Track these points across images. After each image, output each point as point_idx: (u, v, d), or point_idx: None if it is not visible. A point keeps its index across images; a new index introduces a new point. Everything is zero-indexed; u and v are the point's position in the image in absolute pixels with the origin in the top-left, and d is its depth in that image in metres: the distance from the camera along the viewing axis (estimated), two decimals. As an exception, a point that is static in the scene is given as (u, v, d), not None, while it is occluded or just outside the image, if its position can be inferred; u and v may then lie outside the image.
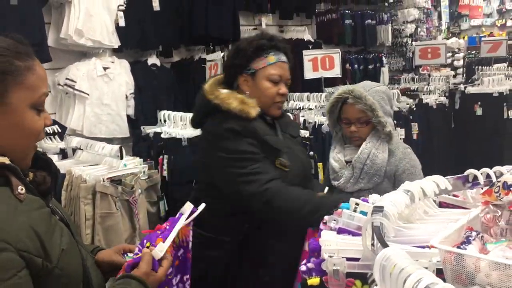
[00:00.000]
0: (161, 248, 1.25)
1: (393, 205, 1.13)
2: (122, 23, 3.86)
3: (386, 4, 6.82)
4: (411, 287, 0.76)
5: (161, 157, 2.79)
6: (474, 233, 0.98)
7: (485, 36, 10.72)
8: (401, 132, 3.83)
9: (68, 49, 3.85)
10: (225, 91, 1.91)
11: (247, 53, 1.92)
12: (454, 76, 7.24)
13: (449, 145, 4.46)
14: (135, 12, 4.02)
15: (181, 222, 1.34)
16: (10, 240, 0.98)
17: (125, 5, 3.91)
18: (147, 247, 1.27)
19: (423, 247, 1.09)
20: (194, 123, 2.07)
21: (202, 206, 1.38)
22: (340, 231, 1.24)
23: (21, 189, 1.04)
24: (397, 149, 2.16)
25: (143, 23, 4.10)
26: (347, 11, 6.21)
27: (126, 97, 3.99)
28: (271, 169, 1.86)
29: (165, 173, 2.74)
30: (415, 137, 4.11)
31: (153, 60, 4.30)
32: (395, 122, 4.05)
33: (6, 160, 1.04)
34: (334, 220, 1.27)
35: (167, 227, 1.35)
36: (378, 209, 1.10)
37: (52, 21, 3.80)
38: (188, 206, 1.37)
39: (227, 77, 1.97)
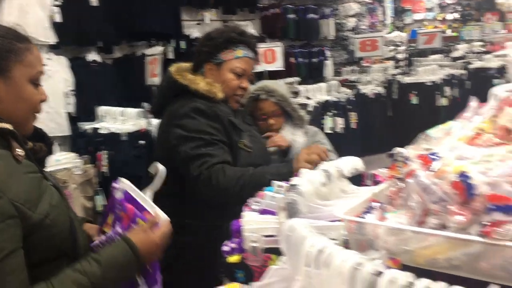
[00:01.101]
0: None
1: (308, 183, 1.20)
2: (58, 18, 3.78)
3: (328, -1, 6.99)
4: (307, 250, 0.82)
5: (99, 153, 2.77)
6: (376, 204, 1.06)
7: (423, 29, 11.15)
8: (340, 121, 3.98)
9: (2, 47, 3.72)
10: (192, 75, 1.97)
11: (217, 42, 1.99)
12: (397, 68, 7.53)
13: (387, 133, 4.66)
14: (71, 7, 3.94)
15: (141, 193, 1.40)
16: (5, 190, 1.11)
17: (61, 1, 3.83)
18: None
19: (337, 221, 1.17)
20: (156, 109, 2.08)
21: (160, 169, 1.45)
22: (263, 212, 1.29)
23: (20, 152, 1.22)
24: (309, 129, 2.36)
25: (81, 18, 4.03)
26: (290, 6, 6.32)
27: (66, 94, 3.91)
28: (224, 154, 1.87)
29: (104, 168, 2.72)
30: (354, 126, 4.27)
31: (93, 56, 4.23)
32: (335, 112, 4.21)
33: (9, 126, 1.21)
34: (257, 203, 1.33)
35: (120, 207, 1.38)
36: (292, 187, 1.17)
37: (-17, 18, 3.66)
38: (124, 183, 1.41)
39: (195, 63, 2.03)
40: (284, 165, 1.89)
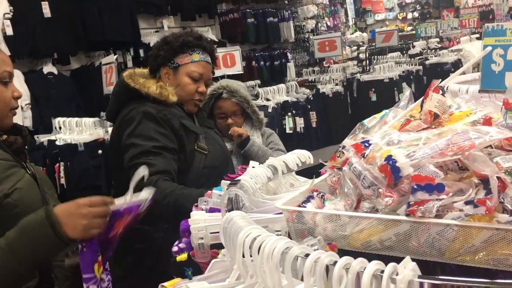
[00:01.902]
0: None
1: (251, 178, 1.23)
2: (9, 31, 3.71)
3: (286, 2, 7.08)
4: (242, 240, 0.84)
5: (57, 164, 2.73)
6: (315, 194, 1.10)
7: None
8: (300, 121, 4.04)
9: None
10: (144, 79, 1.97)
11: (173, 46, 1.98)
12: (358, 67, 7.70)
13: (347, 131, 4.72)
14: (24, 19, 3.88)
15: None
16: None
17: (11, 13, 3.76)
18: None
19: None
20: (111, 115, 2.05)
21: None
22: (211, 210, 1.31)
23: None
24: (265, 131, 2.45)
25: (34, 30, 3.96)
26: (248, 10, 6.38)
27: (22, 108, 3.83)
28: (165, 163, 1.83)
29: (62, 180, 2.68)
30: (314, 125, 4.34)
31: (49, 68, 4.16)
32: (294, 112, 4.26)
33: None
34: (205, 202, 1.35)
35: None
36: (234, 183, 1.19)
37: None
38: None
39: (151, 67, 2.03)
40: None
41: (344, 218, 0.98)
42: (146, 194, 1.38)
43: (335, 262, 0.71)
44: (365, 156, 1.02)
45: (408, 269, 0.65)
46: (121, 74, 2.02)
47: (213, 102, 2.33)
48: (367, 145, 1.04)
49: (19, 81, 3.88)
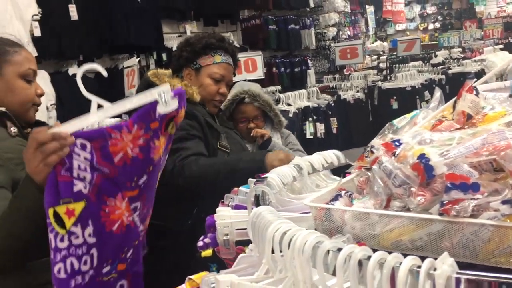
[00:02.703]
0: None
1: (278, 176, 1.22)
2: (37, 33, 3.78)
3: (308, 9, 7.09)
4: (272, 234, 0.83)
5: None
6: (343, 192, 1.08)
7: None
8: (320, 126, 4.02)
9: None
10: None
11: (195, 48, 2.01)
12: (378, 75, 7.65)
13: (368, 137, 4.69)
14: (51, 22, 3.95)
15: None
16: None
17: (40, 15, 3.83)
18: None
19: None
20: None
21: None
22: (237, 207, 1.31)
23: (13, 129, 1.40)
24: (284, 132, 2.49)
25: (61, 33, 4.03)
26: (270, 17, 6.40)
27: (47, 108, 3.89)
28: (199, 147, 1.88)
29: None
30: (334, 131, 4.32)
31: (74, 70, 4.22)
32: (315, 117, 4.25)
33: (2, 109, 1.41)
34: (231, 198, 1.34)
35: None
36: (261, 180, 1.19)
37: (-39, 33, 3.65)
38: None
39: (173, 68, 2.07)
40: (258, 153, 1.92)
41: (373, 217, 0.97)
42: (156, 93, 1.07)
43: (369, 257, 0.70)
44: (395, 155, 1.00)
45: (446, 264, 0.63)
46: (145, 74, 2.07)
47: (234, 107, 2.35)
48: (397, 144, 1.03)
49: (45, 82, 3.95)
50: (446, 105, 1.18)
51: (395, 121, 1.21)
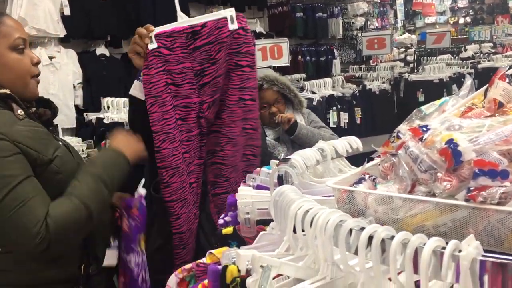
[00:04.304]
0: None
1: (301, 157, 1.22)
2: (67, 11, 3.84)
3: (336, -2, 7.01)
4: (294, 211, 0.83)
5: (103, 142, 2.81)
6: (367, 176, 1.07)
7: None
8: (344, 116, 3.99)
9: (12, 39, 3.78)
10: None
11: None
12: (405, 67, 7.53)
13: (392, 128, 4.62)
14: (81, 1, 4.00)
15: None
16: (7, 134, 1.25)
17: (70, -6, 3.89)
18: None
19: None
20: None
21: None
22: (258, 187, 1.31)
23: (20, 111, 1.34)
24: (304, 112, 2.50)
25: (90, 12, 4.08)
26: (298, 4, 6.34)
27: (74, 87, 3.96)
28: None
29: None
30: (358, 121, 4.28)
31: (101, 50, 4.28)
32: (339, 106, 4.22)
33: (7, 91, 1.34)
34: (253, 178, 1.35)
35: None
36: (284, 161, 1.19)
37: (-6, 10, 3.73)
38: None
39: None
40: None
41: (397, 201, 0.95)
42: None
43: (393, 237, 0.69)
44: (423, 140, 0.99)
45: (472, 246, 0.62)
46: None
47: None
48: (425, 129, 1.01)
49: (73, 61, 4.02)
50: (477, 93, 1.15)
51: (423, 107, 1.19)
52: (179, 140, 1.69)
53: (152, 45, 1.65)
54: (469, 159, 0.88)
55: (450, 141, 0.91)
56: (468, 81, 1.26)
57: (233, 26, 1.68)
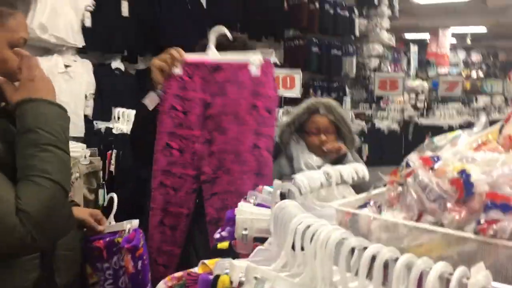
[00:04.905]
0: None
1: (306, 178, 1.19)
2: (88, 23, 3.89)
3: (353, 37, 7.08)
4: (295, 226, 0.80)
5: (109, 151, 2.79)
6: (372, 201, 1.04)
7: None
8: (351, 152, 3.96)
9: (31, 45, 3.83)
10: None
11: None
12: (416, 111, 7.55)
13: (399, 164, 4.58)
14: (102, 14, 4.06)
15: None
16: None
17: (93, 6, 3.95)
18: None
19: (332, 221, 1.14)
20: None
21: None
22: (258, 205, 1.28)
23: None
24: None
25: (110, 26, 4.14)
26: (314, 40, 6.42)
27: (86, 97, 3.98)
28: None
29: (112, 167, 2.73)
30: (365, 158, 4.24)
31: (117, 64, 4.32)
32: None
33: None
34: (254, 196, 1.32)
35: None
36: (288, 179, 1.16)
37: (16, 14, 3.79)
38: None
39: None
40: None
41: (402, 229, 0.92)
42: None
43: (397, 259, 0.66)
44: (433, 169, 0.96)
45: (481, 274, 0.58)
46: None
47: (307, 117, 2.26)
48: (436, 159, 0.99)
49: (87, 71, 4.05)
50: (491, 129, 1.13)
51: (435, 139, 1.16)
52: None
53: (177, 71, 1.71)
54: (481, 191, 0.84)
55: (463, 172, 0.88)
56: (483, 118, 1.24)
57: (255, 71, 1.72)
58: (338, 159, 2.15)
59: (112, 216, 1.53)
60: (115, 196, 1.56)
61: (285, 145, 2.28)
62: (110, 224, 1.51)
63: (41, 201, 1.11)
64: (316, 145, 2.22)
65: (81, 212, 1.50)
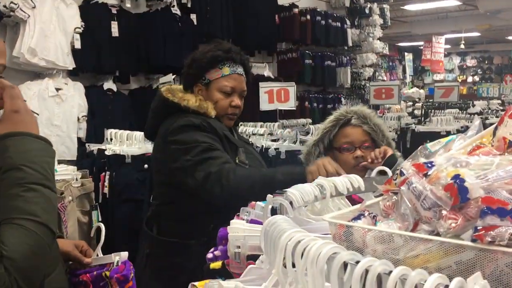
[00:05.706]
0: None
1: (298, 192, 1.16)
2: (78, 45, 3.89)
3: (346, 48, 7.11)
4: (285, 242, 0.77)
5: (103, 173, 2.76)
6: (366, 212, 1.01)
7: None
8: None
9: (21, 69, 3.83)
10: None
11: (202, 63, 1.91)
12: (412, 118, 7.53)
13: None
14: (92, 35, 4.07)
15: None
16: None
17: (82, 28, 3.95)
18: None
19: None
20: (149, 131, 2.02)
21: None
22: (252, 222, 1.24)
23: None
24: None
25: (100, 47, 4.14)
26: (307, 52, 6.43)
27: (78, 119, 3.96)
28: (227, 157, 1.78)
29: (106, 189, 2.70)
30: (363, 168, 4.20)
31: (109, 85, 4.31)
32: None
33: None
34: (247, 212, 1.28)
35: None
36: (280, 193, 1.13)
37: (6, 40, 3.78)
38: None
39: (184, 86, 1.98)
40: (296, 167, 1.79)
41: (398, 240, 0.88)
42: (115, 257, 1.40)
43: (390, 272, 0.62)
44: (427, 175, 0.93)
45: (478, 285, 0.55)
46: (159, 90, 1.99)
47: (337, 130, 1.90)
48: (430, 165, 0.95)
49: (79, 94, 4.04)
50: (485, 132, 1.10)
51: (428, 145, 1.13)
52: None
53: None
54: (476, 196, 0.81)
55: (457, 177, 0.84)
56: (477, 122, 1.21)
57: None
58: (387, 163, 1.67)
59: (99, 247, 1.44)
60: (102, 226, 1.48)
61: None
62: (97, 256, 1.43)
63: (28, 246, 1.01)
64: (349, 164, 1.82)
65: (65, 245, 1.41)
